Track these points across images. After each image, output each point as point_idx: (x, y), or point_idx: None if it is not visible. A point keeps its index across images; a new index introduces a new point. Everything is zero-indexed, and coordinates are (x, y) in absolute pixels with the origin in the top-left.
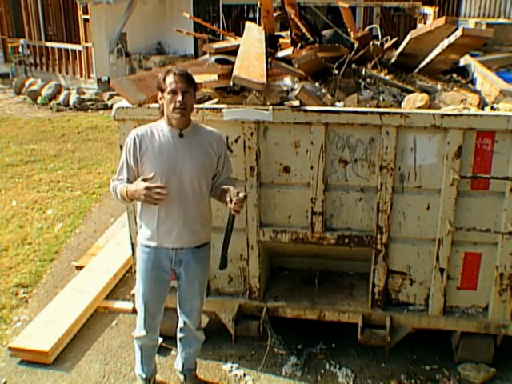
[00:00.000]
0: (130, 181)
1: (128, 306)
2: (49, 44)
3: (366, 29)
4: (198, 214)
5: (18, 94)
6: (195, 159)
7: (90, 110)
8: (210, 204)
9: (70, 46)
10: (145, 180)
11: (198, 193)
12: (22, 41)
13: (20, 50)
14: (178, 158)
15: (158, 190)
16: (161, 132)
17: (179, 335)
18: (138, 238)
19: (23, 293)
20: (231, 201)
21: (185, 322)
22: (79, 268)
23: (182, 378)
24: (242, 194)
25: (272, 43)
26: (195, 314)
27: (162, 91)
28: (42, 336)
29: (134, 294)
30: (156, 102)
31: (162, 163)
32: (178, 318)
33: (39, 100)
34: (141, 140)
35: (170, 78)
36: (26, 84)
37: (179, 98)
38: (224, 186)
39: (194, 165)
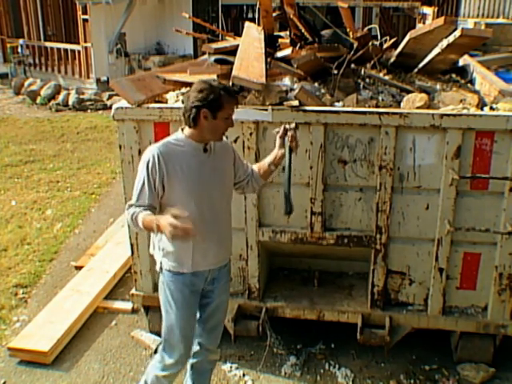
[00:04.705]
0: (152, 206)
1: (127, 306)
2: (48, 44)
3: (366, 29)
4: (228, 229)
5: (17, 94)
6: (220, 173)
7: (89, 110)
8: None
9: (69, 46)
10: (175, 216)
11: (226, 207)
12: (21, 41)
13: (19, 50)
14: (205, 175)
15: (184, 228)
16: (184, 148)
17: (192, 361)
18: (162, 265)
19: (22, 293)
20: (285, 134)
21: (201, 344)
22: (78, 268)
23: None
24: (292, 125)
25: (271, 43)
26: (218, 329)
27: (214, 110)
28: (42, 336)
29: (155, 323)
30: (156, 101)
31: (193, 184)
32: None
33: (38, 100)
34: (167, 158)
35: (230, 102)
36: (25, 84)
37: (231, 123)
38: (260, 164)
39: (221, 179)
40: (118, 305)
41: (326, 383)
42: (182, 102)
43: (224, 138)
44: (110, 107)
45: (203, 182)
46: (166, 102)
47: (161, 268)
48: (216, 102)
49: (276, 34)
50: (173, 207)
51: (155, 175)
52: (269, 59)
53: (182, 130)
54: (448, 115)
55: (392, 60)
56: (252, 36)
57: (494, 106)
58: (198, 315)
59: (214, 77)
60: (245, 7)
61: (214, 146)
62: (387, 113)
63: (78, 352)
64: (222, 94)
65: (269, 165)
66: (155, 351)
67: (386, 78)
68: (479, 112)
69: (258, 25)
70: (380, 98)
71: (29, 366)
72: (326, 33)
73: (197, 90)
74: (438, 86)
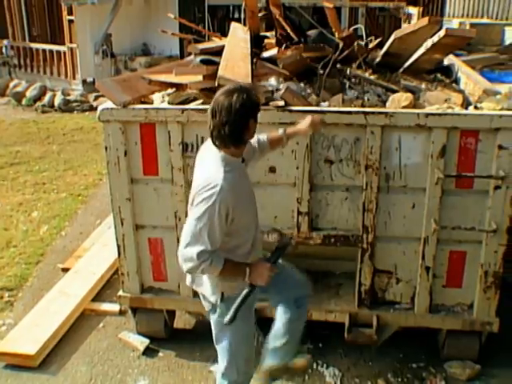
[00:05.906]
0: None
1: (115, 307)
2: (33, 45)
3: (351, 29)
4: None
5: (2, 95)
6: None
7: (75, 112)
8: None
9: (54, 47)
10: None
11: None
12: (5, 42)
13: (4, 50)
14: (250, 188)
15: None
16: (236, 171)
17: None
18: (224, 296)
19: (8, 296)
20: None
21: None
22: (65, 270)
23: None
24: (284, 241)
25: (257, 43)
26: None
27: (256, 115)
28: (28, 339)
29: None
30: (142, 102)
31: (251, 202)
32: (165, 319)
33: (24, 101)
34: (232, 192)
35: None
36: (11, 85)
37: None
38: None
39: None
40: (106, 307)
41: (313, 382)
42: (169, 103)
43: None
44: (96, 108)
45: (252, 196)
46: (152, 103)
47: (222, 299)
48: (255, 109)
49: (262, 34)
50: (236, 235)
51: (228, 213)
52: (255, 59)
53: (219, 150)
54: (433, 114)
55: (377, 60)
56: (238, 36)
57: (479, 105)
58: (271, 299)
59: (200, 78)
60: (231, 8)
61: None
62: (373, 112)
63: (65, 355)
64: (257, 101)
65: (283, 136)
66: (143, 353)
67: (372, 77)
68: (464, 111)
69: (244, 25)
70: (366, 98)
71: (15, 370)
72: (311, 33)
73: (233, 104)
74: (423, 86)
